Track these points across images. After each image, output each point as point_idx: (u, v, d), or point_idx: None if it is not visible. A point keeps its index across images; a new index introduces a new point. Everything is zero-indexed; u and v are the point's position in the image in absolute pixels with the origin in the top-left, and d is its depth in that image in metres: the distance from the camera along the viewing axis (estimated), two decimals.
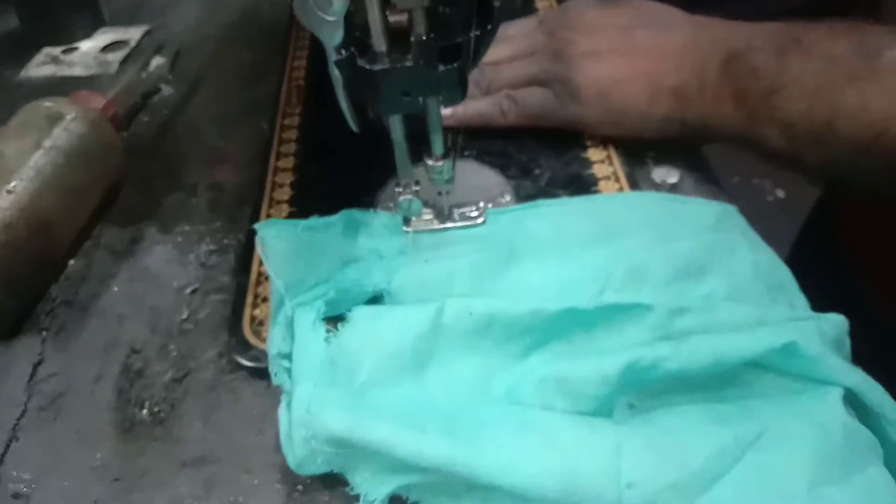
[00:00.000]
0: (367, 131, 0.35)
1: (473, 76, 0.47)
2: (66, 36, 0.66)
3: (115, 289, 0.42)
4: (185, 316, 0.40)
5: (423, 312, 0.33)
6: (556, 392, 0.31)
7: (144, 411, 0.35)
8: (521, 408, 0.30)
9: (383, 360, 0.32)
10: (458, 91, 0.32)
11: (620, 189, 0.42)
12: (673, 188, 0.44)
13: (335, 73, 0.32)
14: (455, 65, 0.30)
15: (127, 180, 0.49)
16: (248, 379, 0.36)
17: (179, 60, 0.61)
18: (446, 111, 0.46)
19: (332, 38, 0.30)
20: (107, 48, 0.67)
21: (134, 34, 0.68)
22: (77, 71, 0.64)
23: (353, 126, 0.36)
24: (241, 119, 0.54)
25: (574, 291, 0.34)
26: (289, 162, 0.47)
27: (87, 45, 0.67)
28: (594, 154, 0.45)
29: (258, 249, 0.35)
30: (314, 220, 0.36)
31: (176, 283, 0.41)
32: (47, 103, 0.44)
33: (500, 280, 0.36)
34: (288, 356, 0.33)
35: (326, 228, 0.37)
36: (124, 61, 0.64)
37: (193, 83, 0.59)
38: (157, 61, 0.60)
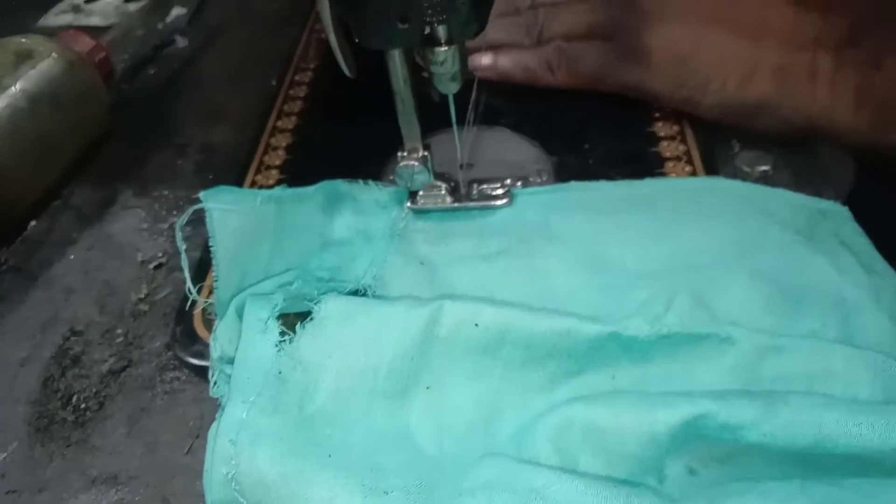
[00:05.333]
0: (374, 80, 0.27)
1: (525, 19, 0.38)
2: None
3: (72, 257, 0.36)
4: (142, 295, 0.33)
5: (410, 317, 0.25)
6: (583, 445, 0.22)
7: (69, 408, 0.29)
8: (529, 467, 0.21)
9: (350, 379, 0.24)
10: (472, 19, 0.23)
11: (693, 174, 0.32)
12: (764, 179, 0.34)
13: None
14: None
15: (114, 136, 0.42)
16: (191, 379, 0.29)
17: (203, 11, 0.55)
18: (483, 60, 0.38)
19: None
20: None
21: None
22: (95, 20, 0.59)
23: (346, 69, 0.28)
24: (252, 74, 0.47)
25: (620, 310, 0.25)
26: (290, 122, 0.40)
27: None
28: (663, 128, 0.35)
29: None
30: (281, 191, 0.28)
31: (140, 256, 0.35)
32: (20, 38, 0.38)
33: (517, 282, 0.27)
34: (233, 361, 0.25)
35: (300, 202, 0.29)
36: (143, 11, 0.58)
37: (210, 35, 0.53)
38: (176, 11, 0.55)
